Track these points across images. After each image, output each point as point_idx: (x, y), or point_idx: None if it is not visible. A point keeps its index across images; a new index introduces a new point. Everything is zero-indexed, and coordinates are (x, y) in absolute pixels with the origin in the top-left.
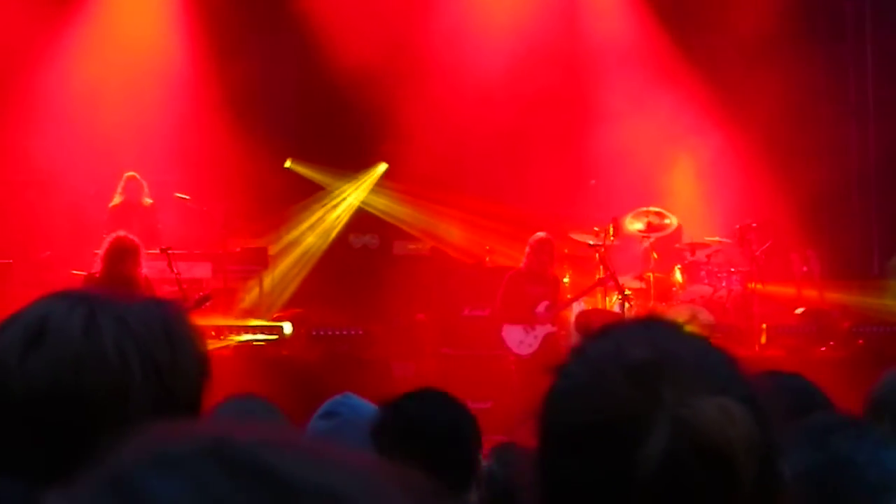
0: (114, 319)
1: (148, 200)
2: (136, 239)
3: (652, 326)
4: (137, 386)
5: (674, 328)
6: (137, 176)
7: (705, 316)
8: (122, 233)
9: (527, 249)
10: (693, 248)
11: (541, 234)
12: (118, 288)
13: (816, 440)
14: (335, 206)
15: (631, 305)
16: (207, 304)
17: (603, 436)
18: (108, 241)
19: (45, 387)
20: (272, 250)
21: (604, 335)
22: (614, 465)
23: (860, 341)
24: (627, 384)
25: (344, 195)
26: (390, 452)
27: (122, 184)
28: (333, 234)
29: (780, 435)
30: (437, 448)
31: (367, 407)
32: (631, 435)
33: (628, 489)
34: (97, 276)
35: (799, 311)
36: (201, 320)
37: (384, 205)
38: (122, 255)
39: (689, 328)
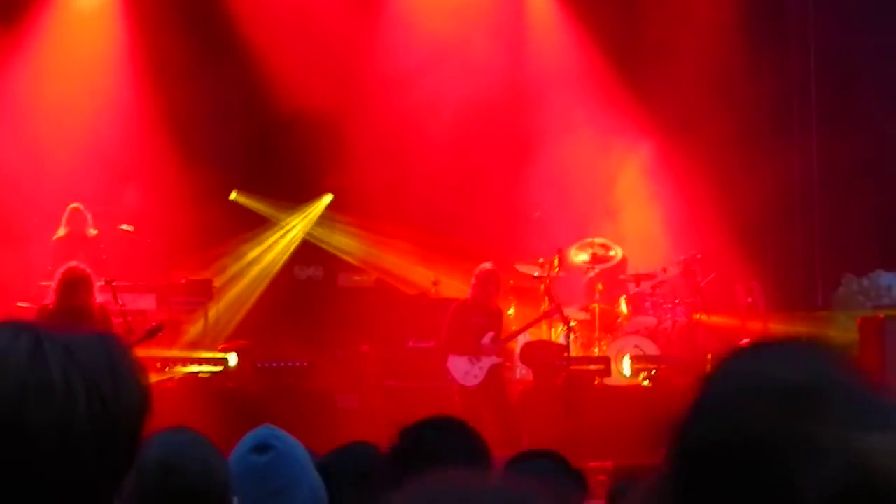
0: (60, 348)
1: (92, 231)
2: (87, 269)
3: (806, 348)
4: (81, 416)
5: (830, 352)
6: (81, 207)
7: (650, 347)
8: (73, 263)
9: (473, 281)
10: (638, 279)
11: (487, 265)
12: (73, 319)
13: None
14: (280, 238)
15: (576, 337)
16: (160, 333)
17: (760, 456)
18: (60, 271)
19: None
20: (217, 282)
21: (754, 352)
22: (774, 489)
23: None
24: (787, 405)
25: (289, 227)
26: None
27: (66, 215)
28: (278, 266)
29: None
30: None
31: (292, 438)
32: (794, 461)
33: None
34: (50, 307)
35: (744, 342)
36: (146, 352)
37: (329, 237)
38: (75, 285)
39: (842, 354)
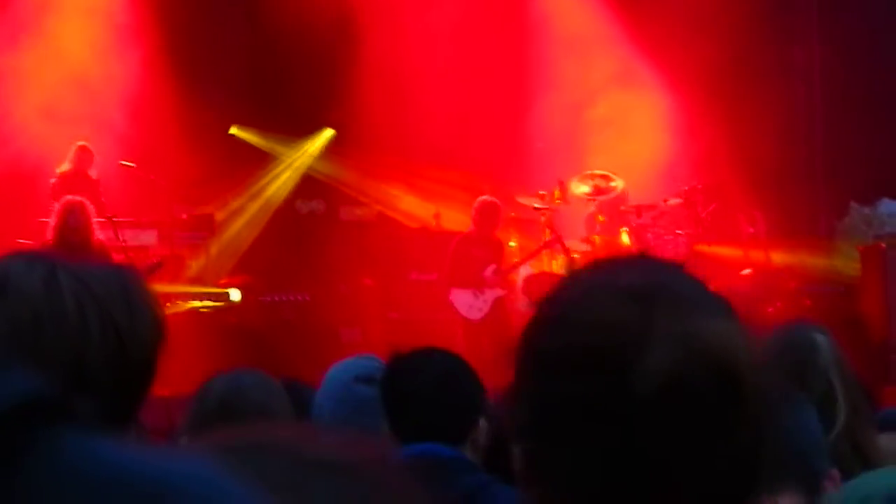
0: (74, 278)
1: (94, 173)
2: (86, 201)
3: (645, 259)
4: (95, 345)
5: (667, 262)
6: (89, 146)
7: None
8: (71, 197)
9: (473, 213)
10: (639, 210)
11: (486, 196)
12: (73, 253)
13: None
14: (282, 172)
15: None
16: (159, 270)
17: (597, 356)
18: (59, 205)
19: (5, 343)
20: (219, 217)
21: (595, 266)
22: (609, 384)
23: (807, 302)
24: (622, 306)
25: (290, 161)
26: (396, 405)
27: (72, 152)
28: (280, 200)
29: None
30: (440, 403)
31: None
32: (628, 354)
33: (626, 408)
34: (50, 241)
35: (746, 272)
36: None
37: (330, 170)
38: (75, 218)
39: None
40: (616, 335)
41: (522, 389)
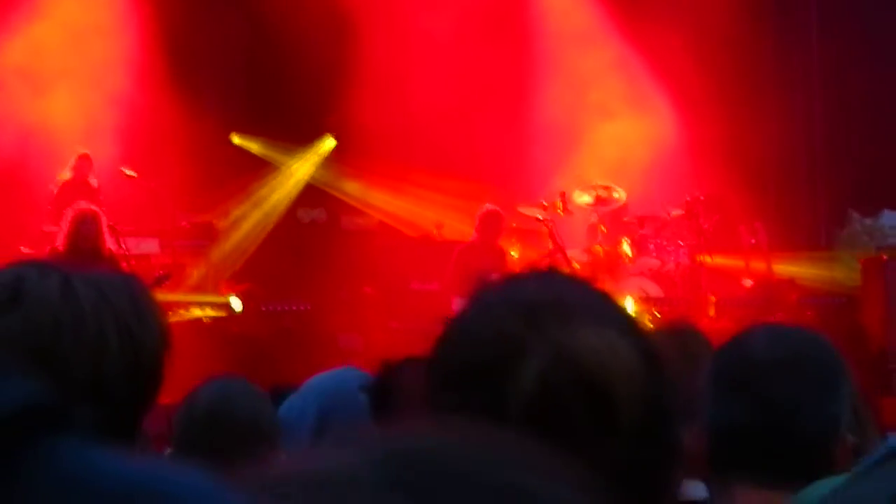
0: (89, 286)
1: (94, 181)
2: (100, 212)
3: (547, 274)
4: (112, 353)
5: (570, 276)
6: (89, 154)
7: (654, 289)
8: (83, 204)
9: (476, 222)
10: (641, 221)
11: (489, 206)
12: (85, 261)
13: (751, 391)
14: (283, 181)
15: None
16: (166, 282)
17: (479, 369)
18: (71, 212)
19: (23, 349)
20: (220, 225)
21: (499, 282)
22: (488, 396)
23: (809, 313)
24: (509, 320)
25: (292, 169)
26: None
27: (73, 160)
28: (281, 209)
29: (672, 382)
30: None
31: None
32: (507, 366)
33: (501, 419)
34: (61, 249)
35: (747, 283)
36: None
37: (332, 179)
38: (88, 227)
39: (589, 280)
40: (498, 348)
41: (427, 402)
